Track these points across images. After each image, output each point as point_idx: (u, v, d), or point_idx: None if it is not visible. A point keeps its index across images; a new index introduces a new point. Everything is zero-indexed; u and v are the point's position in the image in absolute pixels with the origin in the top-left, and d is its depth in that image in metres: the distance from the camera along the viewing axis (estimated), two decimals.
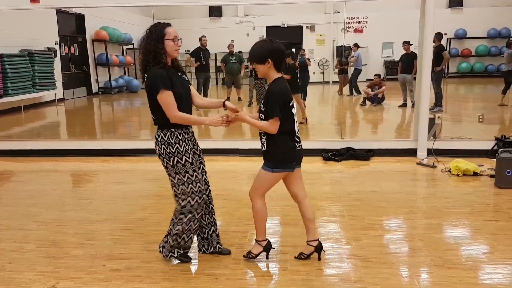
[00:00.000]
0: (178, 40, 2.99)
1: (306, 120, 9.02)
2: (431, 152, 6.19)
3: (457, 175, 5.37)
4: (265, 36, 19.09)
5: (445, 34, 19.04)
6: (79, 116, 12.39)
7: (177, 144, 2.99)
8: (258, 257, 3.24)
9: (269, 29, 19.52)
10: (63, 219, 4.22)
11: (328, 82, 19.68)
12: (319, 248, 3.21)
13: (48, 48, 13.20)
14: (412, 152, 6.34)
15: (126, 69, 18.44)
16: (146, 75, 2.97)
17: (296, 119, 3.04)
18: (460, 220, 4.01)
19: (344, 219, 4.07)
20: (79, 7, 12.71)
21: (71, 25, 15.47)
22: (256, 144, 6.53)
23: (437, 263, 3.19)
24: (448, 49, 19.01)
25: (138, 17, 17.06)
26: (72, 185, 5.70)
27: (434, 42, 8.59)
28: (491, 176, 5.20)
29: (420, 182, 5.44)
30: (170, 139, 2.98)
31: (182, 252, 3.24)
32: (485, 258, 3.29)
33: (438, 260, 3.24)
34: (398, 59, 12.06)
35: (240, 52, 12.72)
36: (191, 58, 11.15)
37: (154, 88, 2.90)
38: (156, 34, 2.93)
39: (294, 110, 3.02)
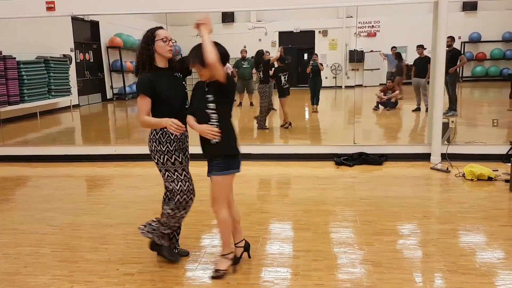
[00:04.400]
0: (169, 40, 3.06)
1: (290, 124, 8.90)
2: (445, 156, 6.13)
3: (471, 180, 5.32)
4: (277, 42, 19.18)
5: (460, 37, 18.88)
6: (94, 122, 12.54)
7: (167, 144, 3.09)
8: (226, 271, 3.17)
9: (281, 34, 19.54)
10: (77, 224, 4.27)
11: (341, 86, 19.62)
12: (247, 247, 3.31)
13: (63, 54, 13.39)
14: (425, 157, 6.29)
15: None
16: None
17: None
18: (474, 225, 3.97)
19: (357, 224, 4.05)
20: (94, 14, 12.88)
21: (86, 32, 15.68)
22: (268, 149, 6.53)
23: (450, 268, 3.17)
24: (462, 52, 18.84)
25: (152, 24, 17.10)
26: (86, 190, 5.76)
27: (449, 46, 8.54)
28: (506, 181, 5.14)
29: (434, 187, 5.39)
30: (162, 138, 3.09)
31: (166, 247, 3.31)
32: (500, 264, 3.25)
33: (452, 265, 3.21)
34: (412, 63, 11.98)
35: (252, 57, 12.76)
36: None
37: (136, 92, 3.05)
38: (147, 37, 3.04)
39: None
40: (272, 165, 6.28)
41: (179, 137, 3.12)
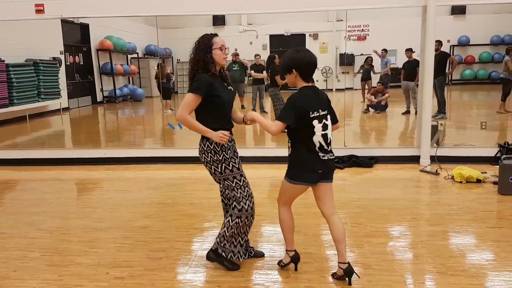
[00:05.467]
0: (226, 48, 3.10)
1: None
2: (434, 159, 6.18)
3: (460, 182, 5.37)
4: (268, 45, 19.22)
5: (448, 41, 19.06)
6: (84, 125, 12.47)
7: (223, 152, 3.08)
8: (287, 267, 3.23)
9: (272, 37, 19.60)
10: (67, 227, 4.24)
11: (332, 89, 19.70)
12: (347, 272, 3.00)
13: (53, 57, 13.30)
14: (415, 159, 6.34)
15: (130, 78, 18.54)
16: (193, 81, 3.04)
17: (322, 132, 2.91)
18: (463, 227, 4.01)
19: (347, 227, 4.07)
20: (83, 17, 12.80)
21: (76, 35, 15.60)
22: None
23: (440, 270, 3.19)
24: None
25: (142, 26, 17.19)
26: (76, 194, 5.72)
27: (436, 49, 8.60)
28: (494, 183, 5.19)
29: (423, 189, 5.43)
30: (216, 147, 3.07)
31: (228, 258, 3.26)
32: (488, 265, 3.28)
33: (441, 267, 3.23)
34: (401, 67, 12.08)
35: (248, 59, 12.82)
36: None
37: (191, 86, 3.00)
38: (205, 44, 3.05)
39: (320, 122, 2.90)
40: (263, 168, 6.29)
41: (230, 143, 3.14)
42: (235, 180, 3.13)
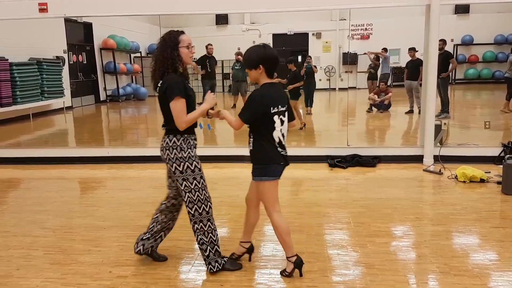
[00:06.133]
0: (192, 47, 3.04)
1: (305, 125, 9.00)
2: (437, 158, 6.17)
3: (464, 181, 5.35)
4: (271, 44, 19.17)
5: (452, 40, 19.00)
6: (87, 124, 12.49)
7: (189, 150, 3.02)
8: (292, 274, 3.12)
9: (275, 36, 19.59)
10: (70, 226, 4.25)
11: (335, 88, 19.69)
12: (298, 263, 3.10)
13: (56, 56, 13.33)
14: (418, 159, 6.32)
15: (133, 77, 18.58)
16: (161, 81, 2.98)
17: (281, 127, 2.98)
18: (467, 227, 4.00)
19: (350, 226, 4.06)
20: (87, 16, 12.84)
21: (79, 34, 15.64)
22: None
23: (443, 270, 3.18)
24: (455, 55, 18.97)
25: (145, 25, 17.22)
26: (79, 192, 5.74)
27: (440, 49, 8.57)
28: (498, 182, 5.17)
29: (427, 189, 5.42)
30: (183, 144, 3.01)
31: (224, 262, 3.22)
32: (492, 265, 3.27)
33: (444, 267, 3.22)
34: (404, 66, 12.05)
35: None
36: (197, 66, 11.26)
37: (169, 93, 2.92)
38: (171, 41, 2.98)
39: (278, 118, 2.96)
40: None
41: (196, 143, 3.11)
42: (194, 181, 3.03)
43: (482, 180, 5.31)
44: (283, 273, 3.15)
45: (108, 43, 16.16)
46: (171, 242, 3.73)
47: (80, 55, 15.56)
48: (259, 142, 2.99)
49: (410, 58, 11.37)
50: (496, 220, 4.19)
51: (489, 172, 5.57)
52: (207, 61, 11.37)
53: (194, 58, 11.95)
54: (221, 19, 19.81)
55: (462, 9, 19.62)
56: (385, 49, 13.27)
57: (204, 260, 3.20)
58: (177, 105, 2.92)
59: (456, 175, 5.47)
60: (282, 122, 3.00)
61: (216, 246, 3.17)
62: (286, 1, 6.42)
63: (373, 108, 11.97)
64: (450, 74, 10.64)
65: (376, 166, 6.24)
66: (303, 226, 4.08)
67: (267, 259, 3.42)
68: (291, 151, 3.11)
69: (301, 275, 3.11)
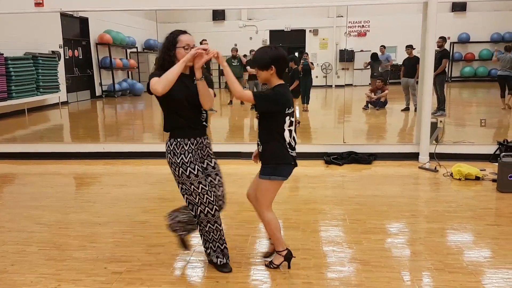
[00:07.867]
0: (191, 48, 2.89)
1: (299, 123, 9.04)
2: (433, 156, 6.18)
3: (459, 179, 5.37)
4: (268, 40, 19.16)
5: (449, 38, 19.02)
6: (83, 119, 12.44)
7: (182, 155, 2.94)
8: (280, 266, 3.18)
9: (272, 33, 19.54)
10: (65, 222, 4.24)
11: (331, 86, 19.68)
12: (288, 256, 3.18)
13: (52, 51, 13.24)
14: (414, 156, 6.34)
15: (129, 72, 18.49)
16: None
17: (290, 127, 3.00)
18: (462, 224, 4.01)
19: (346, 223, 4.07)
20: (83, 10, 12.74)
21: (75, 29, 15.54)
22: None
23: (438, 267, 3.19)
24: (451, 53, 19.00)
25: (142, 20, 17.12)
26: (74, 188, 5.72)
27: (440, 46, 8.56)
28: (493, 180, 5.19)
29: (422, 186, 5.43)
30: (176, 149, 2.95)
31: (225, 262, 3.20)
32: (487, 262, 3.29)
33: (439, 264, 3.24)
34: (401, 63, 12.06)
35: (245, 55, 12.77)
36: None
37: (149, 80, 2.81)
38: (169, 41, 2.94)
39: (289, 119, 2.98)
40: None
41: (193, 147, 2.98)
42: (192, 186, 2.95)
43: (477, 178, 5.33)
44: (270, 265, 3.20)
45: (104, 38, 16.07)
46: (166, 238, 3.73)
47: (76, 50, 15.47)
48: (270, 142, 3.00)
49: (406, 56, 11.38)
50: (491, 217, 4.21)
51: (484, 169, 5.59)
52: None
53: None
54: (218, 15, 19.73)
55: (459, 7, 19.63)
56: (383, 47, 13.27)
57: (209, 262, 3.22)
58: (152, 79, 2.79)
59: (452, 173, 5.49)
60: (291, 123, 3.01)
61: (218, 244, 3.13)
62: None
63: (369, 105, 11.98)
64: (446, 71, 10.62)
65: (372, 163, 6.25)
66: (298, 222, 4.08)
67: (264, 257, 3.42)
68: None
69: (289, 267, 3.16)
